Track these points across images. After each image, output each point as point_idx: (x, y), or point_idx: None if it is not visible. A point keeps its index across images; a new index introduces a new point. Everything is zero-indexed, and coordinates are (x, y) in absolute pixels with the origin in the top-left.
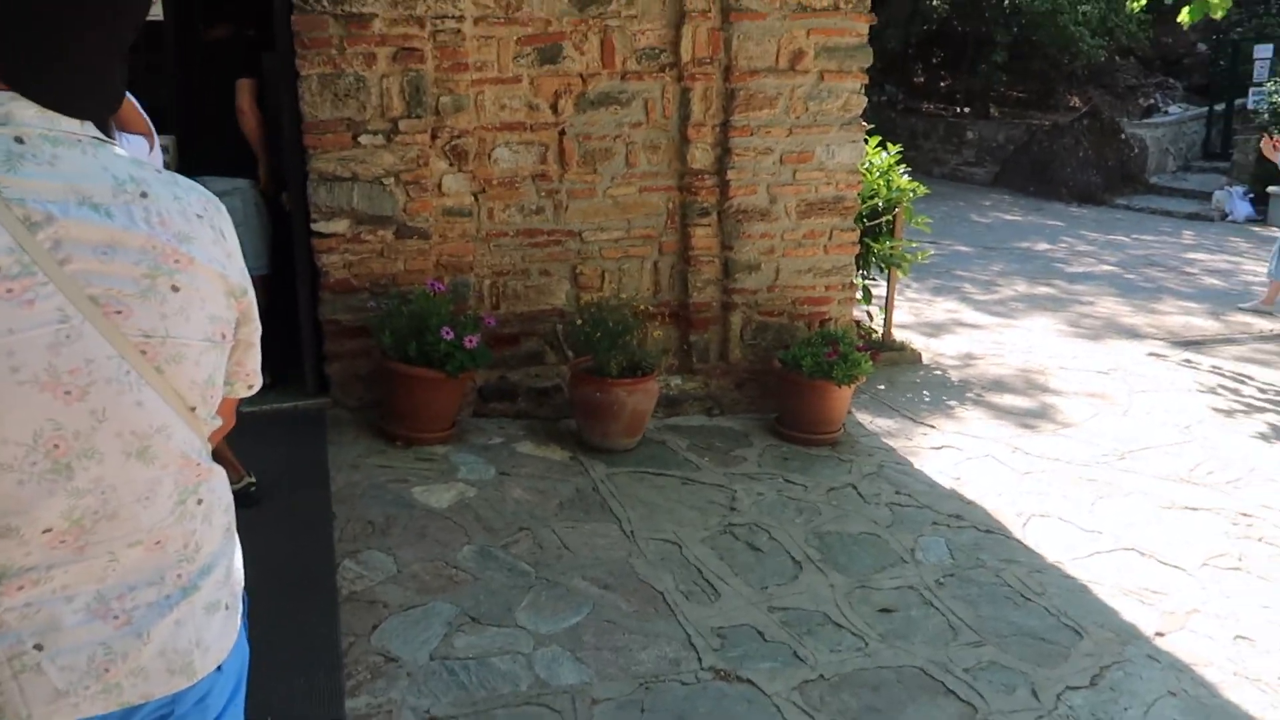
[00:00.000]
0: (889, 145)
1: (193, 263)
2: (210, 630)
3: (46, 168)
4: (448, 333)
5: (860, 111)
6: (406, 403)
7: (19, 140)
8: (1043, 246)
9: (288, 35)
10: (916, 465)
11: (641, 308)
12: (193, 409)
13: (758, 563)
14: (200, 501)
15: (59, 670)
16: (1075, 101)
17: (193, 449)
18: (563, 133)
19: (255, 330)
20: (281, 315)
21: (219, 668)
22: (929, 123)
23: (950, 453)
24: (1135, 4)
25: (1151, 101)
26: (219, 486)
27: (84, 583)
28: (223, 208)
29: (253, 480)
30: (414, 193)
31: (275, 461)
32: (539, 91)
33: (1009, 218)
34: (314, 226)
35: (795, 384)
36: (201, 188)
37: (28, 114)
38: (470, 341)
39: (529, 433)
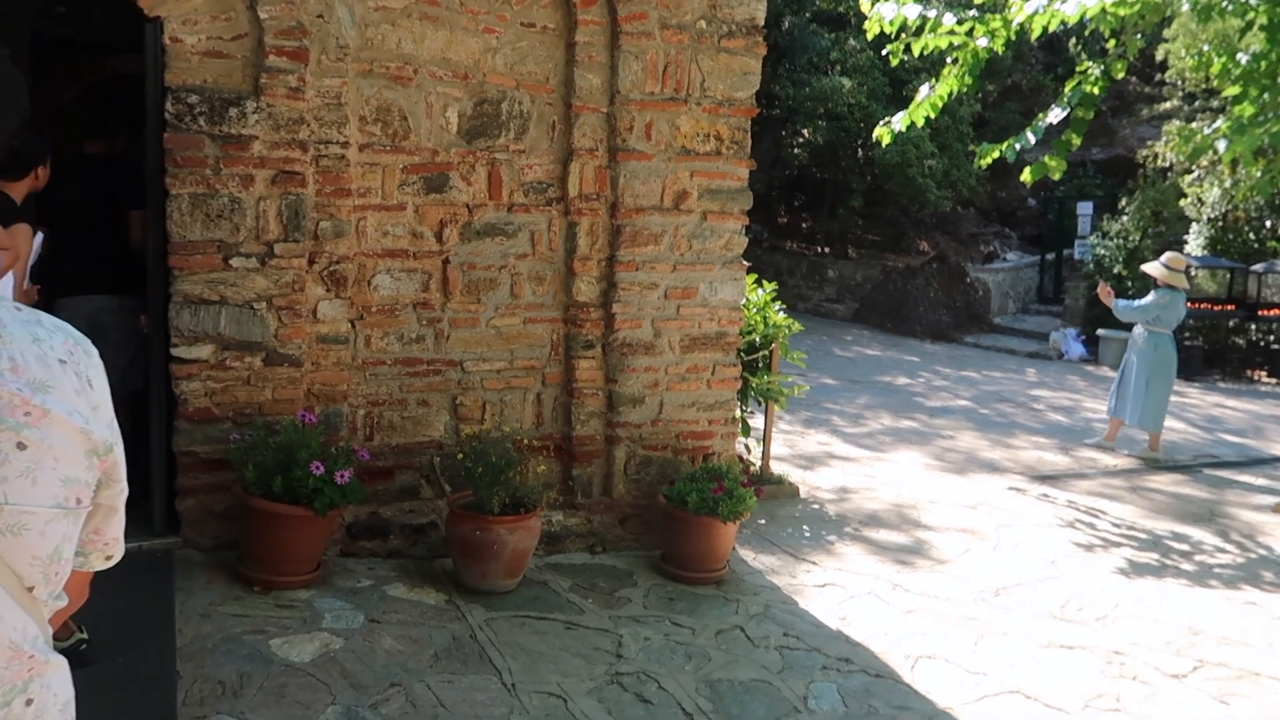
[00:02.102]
0: (764, 283)
1: (46, 415)
2: None
3: None
4: (318, 467)
5: (741, 250)
6: (268, 543)
7: None
8: (903, 381)
9: (158, 152)
10: (802, 604)
11: (524, 441)
12: (30, 589)
13: (648, 716)
14: (30, 702)
15: None
16: (924, 246)
17: (25, 638)
18: (447, 261)
19: (120, 493)
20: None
21: None
22: (793, 260)
23: (834, 591)
24: (982, 161)
25: (991, 249)
26: (56, 681)
27: None
28: (94, 352)
29: (84, 636)
30: (287, 318)
31: (113, 612)
32: (424, 219)
33: (870, 352)
34: (174, 351)
35: (681, 520)
36: (70, 329)
37: None
38: (342, 476)
39: (402, 574)
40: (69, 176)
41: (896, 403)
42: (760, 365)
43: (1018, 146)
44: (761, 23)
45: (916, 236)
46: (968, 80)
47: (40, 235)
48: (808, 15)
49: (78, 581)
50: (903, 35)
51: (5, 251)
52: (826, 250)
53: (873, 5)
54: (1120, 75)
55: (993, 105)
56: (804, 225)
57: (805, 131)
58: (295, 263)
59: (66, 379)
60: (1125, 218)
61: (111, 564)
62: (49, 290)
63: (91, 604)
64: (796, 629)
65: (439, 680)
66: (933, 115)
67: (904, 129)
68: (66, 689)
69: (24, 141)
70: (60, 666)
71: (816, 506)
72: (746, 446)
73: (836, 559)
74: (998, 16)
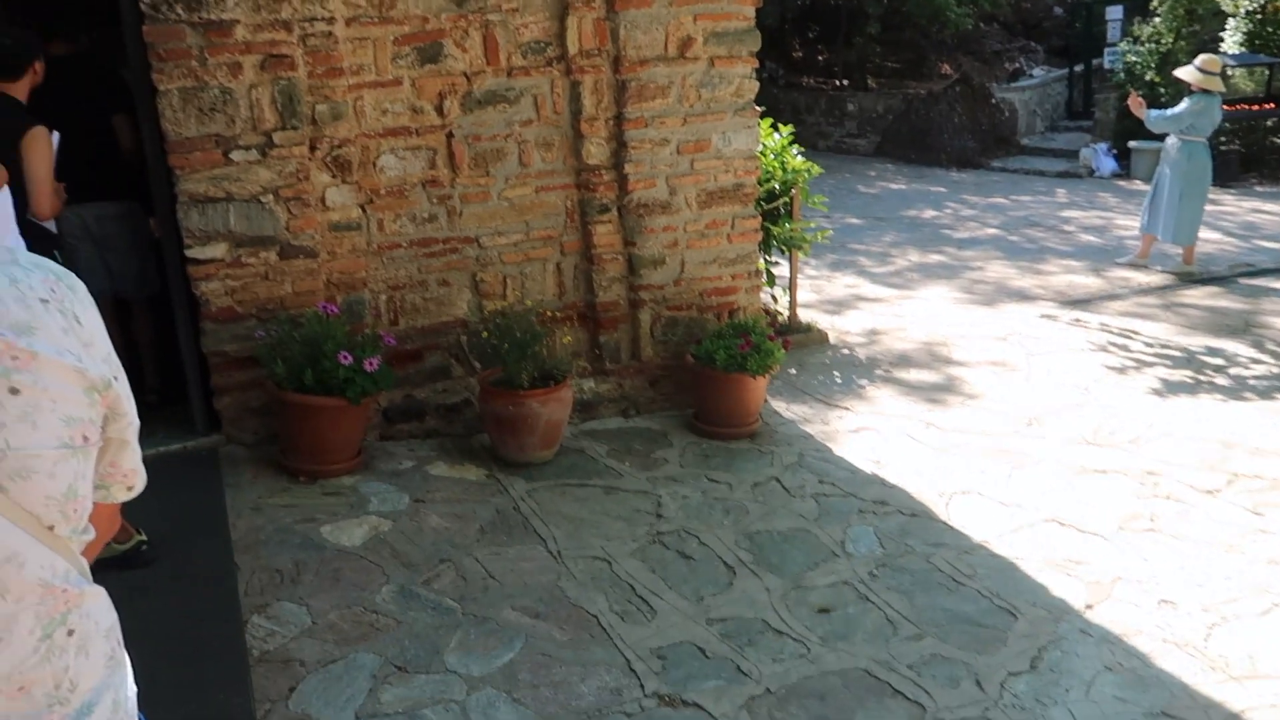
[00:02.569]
0: (780, 126)
1: (35, 358)
2: None
3: None
4: (345, 357)
5: (753, 96)
6: (307, 435)
7: None
8: (929, 214)
9: (140, 48)
10: (836, 451)
11: (548, 312)
12: (51, 528)
13: (691, 572)
14: (71, 632)
15: None
16: (947, 69)
17: (55, 574)
18: (451, 135)
19: (129, 425)
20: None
21: None
22: (811, 97)
23: (868, 435)
24: None
25: (1017, 65)
26: (95, 609)
27: None
28: (79, 286)
29: (143, 538)
30: (296, 209)
31: (167, 513)
32: (422, 93)
33: (895, 186)
34: (188, 253)
35: (710, 379)
36: (50, 264)
37: None
38: (371, 364)
39: (441, 452)
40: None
41: (923, 237)
42: (781, 213)
43: None
44: None
45: (938, 60)
46: None
47: (57, 134)
48: None
49: (105, 514)
50: None
51: None
52: (845, 83)
53: None
54: None
55: None
56: (820, 58)
57: None
58: (296, 150)
59: (51, 318)
60: (1157, 19)
61: (134, 494)
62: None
63: (146, 505)
64: (831, 476)
65: (487, 553)
66: None
67: None
68: (108, 615)
69: (14, 37)
70: (98, 595)
71: (846, 351)
72: (773, 296)
73: (869, 403)
74: None
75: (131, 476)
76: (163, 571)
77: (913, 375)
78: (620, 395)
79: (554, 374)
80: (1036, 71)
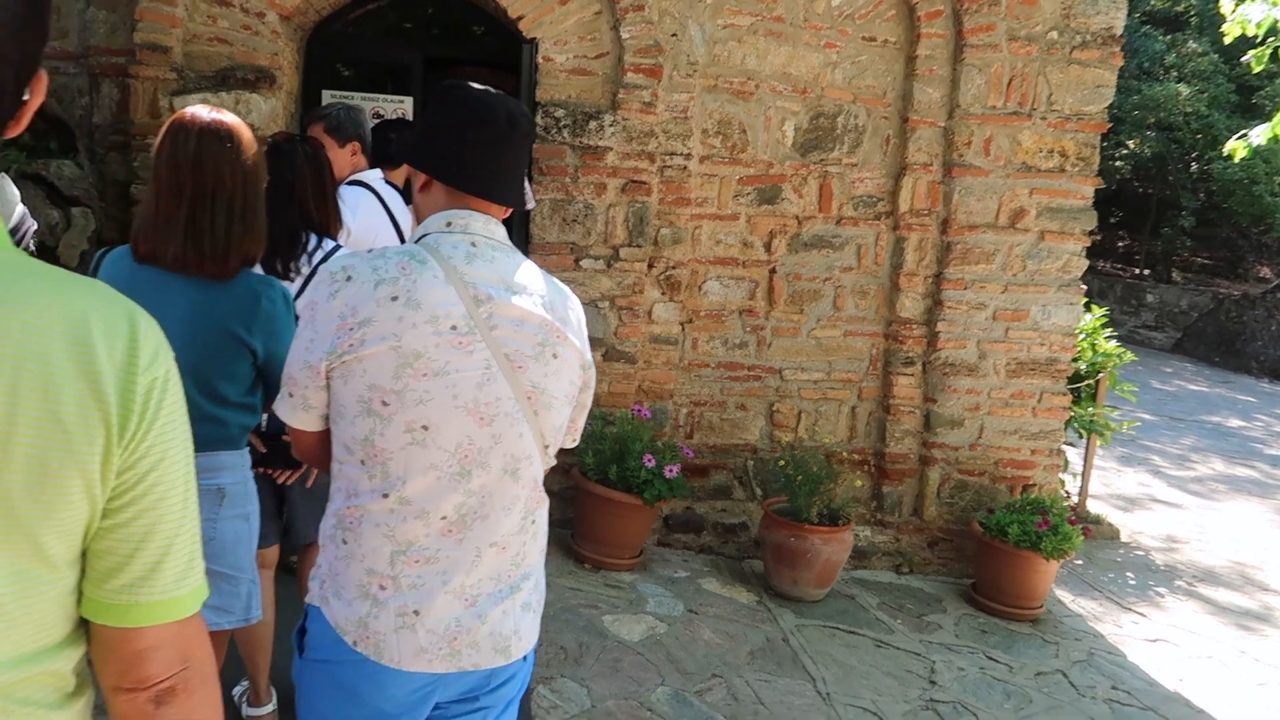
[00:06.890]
0: (1094, 307)
1: (565, 339)
2: (524, 624)
3: (488, 264)
4: (649, 460)
5: (1080, 274)
6: (600, 525)
7: (473, 244)
8: (1236, 423)
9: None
10: (1130, 658)
11: (838, 453)
12: (546, 447)
13: None
14: (534, 522)
15: (425, 632)
16: (1266, 272)
17: (539, 478)
18: (773, 271)
19: (589, 395)
20: None
21: (525, 657)
22: (1104, 282)
23: (1167, 648)
24: None
25: None
26: (546, 514)
27: (456, 568)
28: (579, 305)
29: None
30: (626, 318)
31: None
32: (754, 229)
33: (1194, 388)
34: None
35: (997, 551)
36: (568, 290)
37: (477, 225)
38: (670, 471)
39: (713, 569)
40: None
41: (1229, 447)
42: (1083, 395)
43: None
44: (1120, 31)
45: (1257, 261)
46: None
47: None
48: (1139, 16)
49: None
50: (1270, 40)
51: None
52: (1146, 273)
53: (1236, 6)
54: None
55: None
56: (1120, 244)
57: (1130, 143)
58: (637, 266)
59: (573, 318)
60: None
61: (575, 444)
62: None
63: None
64: (1126, 683)
65: (756, 678)
66: None
67: (1265, 143)
68: (546, 521)
69: (400, 137)
70: (548, 506)
71: (1141, 553)
72: (1061, 480)
73: (1166, 613)
74: None
75: (578, 432)
76: None
77: (1220, 594)
78: (895, 549)
79: (839, 514)
80: None
